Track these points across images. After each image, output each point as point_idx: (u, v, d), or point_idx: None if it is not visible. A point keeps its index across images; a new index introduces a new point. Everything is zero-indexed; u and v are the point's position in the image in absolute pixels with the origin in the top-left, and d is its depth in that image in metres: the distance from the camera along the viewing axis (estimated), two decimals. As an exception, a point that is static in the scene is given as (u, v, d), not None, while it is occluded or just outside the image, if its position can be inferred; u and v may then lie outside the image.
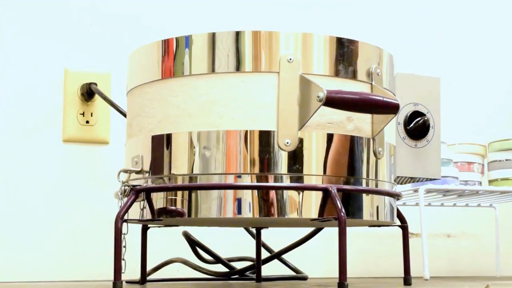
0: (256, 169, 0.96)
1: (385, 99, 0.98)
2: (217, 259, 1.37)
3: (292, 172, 0.96)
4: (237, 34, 0.99)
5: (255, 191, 0.96)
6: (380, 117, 1.01)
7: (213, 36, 0.99)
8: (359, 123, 1.01)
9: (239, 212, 0.96)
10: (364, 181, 1.01)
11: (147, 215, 1.01)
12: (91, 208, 1.44)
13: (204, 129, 0.98)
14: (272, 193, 0.96)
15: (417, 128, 1.16)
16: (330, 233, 1.37)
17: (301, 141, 0.97)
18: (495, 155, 1.56)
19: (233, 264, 1.40)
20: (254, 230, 1.35)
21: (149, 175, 1.02)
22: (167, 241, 1.44)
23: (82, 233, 1.43)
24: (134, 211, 1.03)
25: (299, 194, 0.96)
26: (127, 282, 1.25)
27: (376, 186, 1.03)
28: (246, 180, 0.96)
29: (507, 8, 1.90)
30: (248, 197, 0.96)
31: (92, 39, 1.48)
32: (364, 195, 1.01)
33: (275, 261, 1.42)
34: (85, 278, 1.42)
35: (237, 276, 1.38)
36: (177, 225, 1.20)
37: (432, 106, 1.19)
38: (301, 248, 1.37)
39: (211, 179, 0.97)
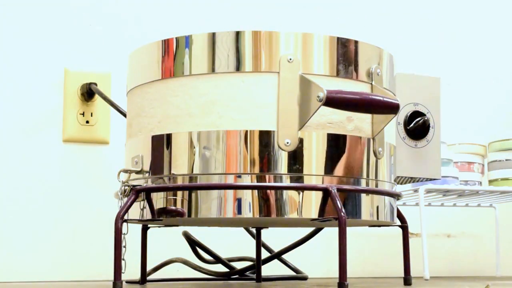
0: (256, 169, 0.96)
1: (385, 99, 0.98)
2: (217, 259, 1.37)
3: (292, 172, 0.96)
4: (237, 34, 0.99)
5: (255, 191, 0.96)
6: (380, 117, 1.01)
7: (213, 36, 0.99)
8: (359, 123, 1.01)
9: (239, 212, 0.96)
10: (364, 181, 1.01)
11: (147, 215, 1.01)
12: (91, 208, 1.44)
13: (204, 129, 0.98)
14: (272, 193, 0.96)
15: (417, 128, 1.16)
16: (330, 233, 1.37)
17: (301, 141, 0.97)
18: (495, 155, 1.56)
19: (233, 264, 1.40)
20: (254, 230, 1.35)
21: (149, 175, 1.02)
22: (167, 241, 1.44)
23: (82, 233, 1.43)
24: (134, 211, 1.03)
25: (299, 194, 0.96)
26: (127, 282, 1.25)
27: (376, 186, 1.03)
28: (246, 180, 0.96)
29: (507, 8, 1.90)
30: (248, 197, 0.96)
31: (92, 39, 1.48)
32: (364, 195, 1.01)
33: (275, 261, 1.42)
34: (85, 278, 1.42)
35: (237, 276, 1.38)
36: (177, 225, 1.20)
37: (432, 106, 1.19)
38: (301, 248, 1.37)
39: (211, 179, 0.97)
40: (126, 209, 0.98)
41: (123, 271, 0.99)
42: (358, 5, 1.73)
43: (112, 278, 0.98)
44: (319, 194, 0.96)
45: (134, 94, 1.07)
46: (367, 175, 1.01)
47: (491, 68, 1.86)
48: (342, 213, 0.93)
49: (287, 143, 0.97)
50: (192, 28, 1.53)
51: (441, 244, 1.76)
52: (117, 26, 1.50)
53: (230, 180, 0.96)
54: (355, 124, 1.00)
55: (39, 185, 1.42)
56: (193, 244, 1.35)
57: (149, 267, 1.28)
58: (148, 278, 1.29)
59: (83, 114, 1.45)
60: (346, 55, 1.01)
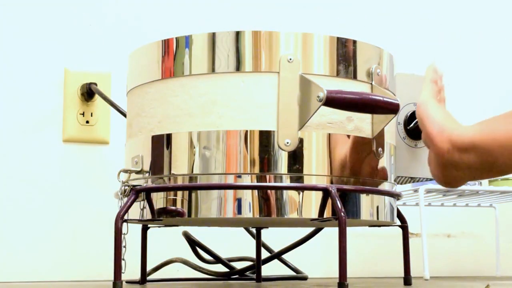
0: (256, 169, 0.96)
1: (385, 99, 0.98)
2: (217, 259, 1.37)
3: (292, 172, 0.96)
4: (237, 34, 0.99)
5: (255, 191, 0.96)
6: (380, 117, 1.01)
7: (213, 36, 0.99)
8: (359, 123, 1.00)
9: (239, 212, 0.96)
10: (364, 181, 1.01)
11: (147, 215, 1.01)
12: (91, 208, 1.44)
13: (204, 129, 0.98)
14: (272, 193, 0.96)
15: (417, 128, 1.16)
16: (330, 233, 1.37)
17: (301, 141, 0.97)
18: (495, 155, 1.56)
19: (233, 264, 1.40)
20: (254, 230, 1.35)
21: (149, 175, 1.02)
22: (167, 241, 1.44)
23: (82, 233, 1.43)
24: (134, 211, 1.03)
25: (299, 194, 0.96)
26: (127, 282, 1.25)
27: (376, 186, 1.03)
28: (246, 180, 0.96)
29: (507, 8, 1.90)
30: (248, 197, 0.96)
31: (92, 39, 1.48)
32: (364, 195, 1.01)
33: (275, 261, 1.42)
34: (85, 278, 1.42)
35: (237, 276, 1.38)
36: (177, 225, 1.20)
37: (432, 106, 1.18)
38: (301, 248, 1.37)
39: (211, 179, 0.97)
40: (126, 209, 0.98)
41: (123, 271, 0.99)
42: (358, 5, 1.73)
43: (112, 278, 0.98)
44: (319, 194, 0.96)
45: (134, 94, 1.07)
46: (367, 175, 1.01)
47: (491, 68, 1.86)
48: (342, 213, 0.93)
49: (287, 143, 0.96)
50: (192, 28, 1.53)
51: (441, 244, 1.76)
52: (117, 26, 1.50)
53: (230, 180, 0.96)
54: (355, 124, 1.00)
55: (39, 185, 1.42)
56: (193, 244, 1.35)
57: (149, 267, 1.28)
58: (148, 278, 1.29)
59: (83, 114, 1.45)
60: (346, 55, 1.01)
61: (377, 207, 1.03)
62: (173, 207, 0.99)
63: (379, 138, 1.03)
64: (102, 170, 1.45)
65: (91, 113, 1.46)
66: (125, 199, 1.00)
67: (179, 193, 0.99)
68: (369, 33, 1.71)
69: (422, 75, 1.19)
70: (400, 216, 1.15)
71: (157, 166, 1.01)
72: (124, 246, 1.01)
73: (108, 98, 1.38)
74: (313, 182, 0.97)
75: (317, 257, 1.61)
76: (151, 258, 1.26)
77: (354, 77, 1.01)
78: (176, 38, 1.01)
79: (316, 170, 0.97)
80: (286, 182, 0.96)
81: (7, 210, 1.39)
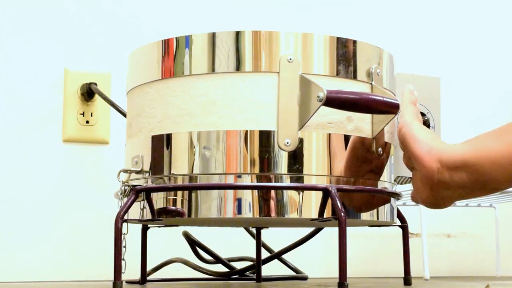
0: (256, 169, 0.96)
1: (385, 99, 0.98)
2: (217, 259, 1.37)
3: (292, 172, 0.96)
4: (237, 34, 0.99)
5: (255, 191, 0.96)
6: (380, 117, 1.01)
7: (213, 36, 0.99)
8: (359, 123, 1.00)
9: (239, 212, 0.96)
10: (364, 181, 1.01)
11: (147, 215, 1.01)
12: (91, 208, 1.44)
13: (204, 129, 0.98)
14: (272, 193, 0.96)
15: (417, 128, 1.16)
16: (330, 233, 1.37)
17: (301, 141, 0.97)
18: (495, 155, 1.55)
19: (233, 264, 1.40)
20: (254, 230, 1.35)
21: (149, 175, 1.02)
22: (167, 241, 1.44)
23: (82, 233, 1.43)
24: (134, 211, 1.03)
25: (299, 194, 0.96)
26: (127, 282, 1.25)
27: (376, 186, 1.03)
28: (246, 180, 0.96)
29: (507, 8, 1.90)
30: (248, 197, 0.96)
31: (92, 39, 1.48)
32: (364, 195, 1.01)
33: (275, 261, 1.42)
34: (85, 278, 1.42)
35: (237, 276, 1.38)
36: (177, 225, 1.20)
37: (432, 106, 1.19)
38: (301, 248, 1.37)
39: (211, 179, 0.97)
40: (126, 209, 0.98)
41: (123, 271, 0.99)
42: (358, 5, 1.73)
43: (112, 278, 0.98)
44: (319, 194, 0.96)
45: (134, 94, 1.07)
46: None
47: (491, 68, 1.86)
48: (342, 213, 0.93)
49: (287, 143, 0.96)
50: (192, 28, 1.53)
51: (441, 244, 1.76)
52: (117, 26, 1.50)
53: (230, 180, 0.96)
54: (355, 124, 1.00)
55: (39, 185, 1.42)
56: (193, 244, 1.35)
57: (149, 267, 1.28)
58: (148, 278, 1.29)
59: (83, 114, 1.45)
60: (346, 55, 1.01)
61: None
62: (173, 207, 0.99)
63: (379, 138, 1.03)
64: (102, 170, 1.45)
65: (91, 113, 1.46)
66: (125, 199, 1.00)
67: (179, 193, 0.99)
68: (369, 33, 1.71)
69: (422, 75, 1.19)
70: (400, 216, 1.15)
71: (157, 166, 1.01)
72: (124, 246, 1.01)
73: (108, 98, 1.38)
74: (313, 182, 0.97)
75: (317, 257, 1.61)
76: (151, 258, 1.26)
77: (354, 77, 1.01)
78: (176, 38, 1.01)
79: (316, 170, 0.97)
80: (286, 182, 0.96)
81: (7, 210, 1.39)
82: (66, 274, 1.42)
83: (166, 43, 1.02)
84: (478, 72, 1.85)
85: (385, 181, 1.04)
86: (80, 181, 1.44)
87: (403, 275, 1.15)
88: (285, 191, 0.96)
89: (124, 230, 0.99)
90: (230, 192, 0.96)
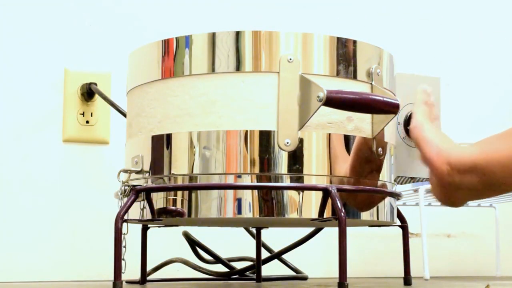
0: (256, 169, 0.96)
1: (385, 99, 0.98)
2: (217, 259, 1.37)
3: (292, 172, 0.96)
4: (237, 34, 0.99)
5: (255, 191, 0.96)
6: (380, 117, 1.01)
7: (213, 36, 0.99)
8: (359, 123, 1.00)
9: (239, 212, 0.96)
10: (364, 181, 1.01)
11: (147, 215, 1.01)
12: (91, 208, 1.44)
13: (204, 129, 0.98)
14: (272, 193, 0.96)
15: (417, 128, 1.16)
16: (330, 233, 1.37)
17: (301, 141, 0.97)
18: (495, 155, 1.55)
19: (233, 264, 1.40)
20: (254, 230, 1.35)
21: (149, 175, 1.02)
22: (167, 241, 1.44)
23: (82, 233, 1.43)
24: (134, 211, 1.03)
25: (299, 194, 0.96)
26: (127, 282, 1.25)
27: (376, 186, 1.03)
28: (246, 180, 0.96)
29: (507, 8, 1.90)
30: (248, 197, 0.96)
31: (92, 39, 1.48)
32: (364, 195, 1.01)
33: (275, 261, 1.42)
34: (85, 278, 1.42)
35: (237, 276, 1.38)
36: (177, 225, 1.20)
37: (432, 106, 1.18)
38: (301, 248, 1.37)
39: (211, 179, 0.97)
40: (126, 209, 0.98)
41: (123, 271, 0.99)
42: (358, 5, 1.73)
43: (112, 278, 0.98)
44: (319, 194, 0.96)
45: (134, 94, 1.07)
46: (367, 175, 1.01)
47: (491, 68, 1.86)
48: (342, 213, 0.93)
49: (287, 143, 0.96)
50: (192, 28, 1.53)
51: (441, 244, 1.76)
52: (117, 26, 1.50)
53: (230, 180, 0.96)
54: (355, 124, 1.00)
55: (39, 185, 1.42)
56: (193, 244, 1.35)
57: (149, 267, 1.28)
58: (148, 278, 1.29)
59: (83, 114, 1.45)
60: (346, 55, 1.01)
61: (377, 207, 1.03)
62: (173, 207, 0.99)
63: (379, 138, 1.03)
64: (102, 170, 1.45)
65: (91, 113, 1.46)
66: (125, 199, 1.00)
67: (179, 193, 0.99)
68: (369, 33, 1.71)
69: (422, 75, 1.19)
70: (400, 216, 1.15)
71: (157, 166, 1.01)
72: (124, 246, 1.01)
73: (108, 98, 1.38)
74: (313, 182, 0.97)
75: (317, 257, 1.61)
76: (151, 258, 1.26)
77: (354, 77, 1.01)
78: (176, 38, 1.01)
79: (316, 170, 0.97)
80: (286, 182, 0.96)
81: (7, 210, 1.39)
82: (66, 274, 1.42)
83: (166, 43, 1.02)
84: (478, 72, 1.85)
85: (385, 181, 1.04)
86: (80, 181, 1.44)
87: (403, 275, 1.15)
88: (285, 191, 0.96)
89: (124, 230, 0.99)
90: (230, 192, 0.96)
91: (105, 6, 1.50)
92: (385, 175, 1.05)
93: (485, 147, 0.89)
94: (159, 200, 1.00)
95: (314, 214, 0.97)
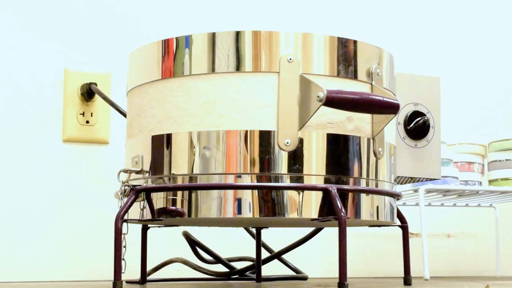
0: (256, 169, 0.96)
1: (385, 99, 0.98)
2: (217, 259, 1.37)
3: (292, 172, 0.96)
4: (237, 34, 0.99)
5: (255, 191, 0.96)
6: (380, 117, 1.01)
7: (213, 36, 0.99)
8: (359, 123, 1.01)
9: (239, 212, 0.96)
10: (364, 181, 1.01)
11: (147, 215, 1.01)
12: (91, 208, 1.44)
13: (204, 129, 0.98)
14: (272, 193, 0.96)
15: (417, 128, 1.16)
16: (330, 233, 1.37)
17: (301, 141, 0.97)
18: (495, 155, 1.56)
19: (233, 264, 1.40)
20: (254, 230, 1.35)
21: (149, 175, 1.02)
22: (167, 241, 1.44)
23: (82, 233, 1.43)
24: (134, 211, 1.03)
25: (299, 194, 0.96)
26: (127, 282, 1.25)
27: (376, 186, 1.03)
28: (246, 180, 0.96)
29: (507, 8, 1.90)
30: (248, 197, 0.96)
31: (92, 39, 1.48)
32: (364, 195, 1.01)
33: (275, 261, 1.42)
34: (85, 278, 1.42)
35: (237, 276, 1.38)
36: (177, 225, 1.20)
37: (432, 106, 1.19)
38: (301, 248, 1.37)
39: (211, 179, 0.97)
40: (126, 209, 0.98)
41: (123, 271, 0.99)
42: (358, 5, 1.73)
43: (112, 278, 0.98)
44: (319, 194, 0.96)
45: (134, 94, 1.07)
46: (367, 175, 1.01)
47: (491, 68, 1.86)
48: (342, 213, 0.93)
49: (287, 143, 0.97)
50: (192, 28, 1.53)
51: (441, 244, 1.76)
52: (117, 26, 1.50)
53: (230, 180, 0.96)
54: (355, 124, 1.00)
55: (39, 185, 1.42)
56: (193, 244, 1.35)
57: (149, 267, 1.28)
58: (148, 278, 1.29)
59: (83, 114, 1.45)
60: (346, 55, 1.01)
61: (377, 207, 1.03)
62: (173, 207, 0.99)
63: (379, 138, 1.03)
64: (102, 170, 1.45)
65: (91, 113, 1.46)
66: (125, 199, 1.00)
67: (179, 193, 0.99)
68: (369, 33, 1.71)
69: (422, 75, 1.19)
70: (400, 216, 1.15)
71: (157, 166, 1.01)
72: (124, 246, 1.01)
73: (108, 98, 1.38)
74: (313, 182, 0.97)
75: (317, 257, 1.61)
76: (151, 258, 1.26)
77: (354, 77, 1.01)
78: (176, 38, 1.01)
79: (316, 170, 0.97)
80: (286, 182, 0.96)
81: (7, 210, 1.39)
82: (66, 274, 1.42)
83: (166, 43, 1.02)
84: (478, 72, 1.85)
85: (385, 181, 1.05)
86: (80, 181, 1.44)
87: (403, 275, 1.15)
88: (285, 191, 0.96)
89: (124, 230, 0.99)
90: (230, 192, 0.96)
91: (105, 6, 1.50)
92: (385, 175, 1.05)
93: None
94: (159, 200, 1.00)
95: (314, 214, 0.97)
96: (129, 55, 1.09)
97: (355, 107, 0.96)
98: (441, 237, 1.77)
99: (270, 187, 0.96)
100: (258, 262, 1.33)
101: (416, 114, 1.17)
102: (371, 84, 1.03)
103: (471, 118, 1.82)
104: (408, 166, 1.16)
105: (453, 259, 1.77)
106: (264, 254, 1.37)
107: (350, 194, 0.99)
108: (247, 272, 1.38)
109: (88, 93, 1.44)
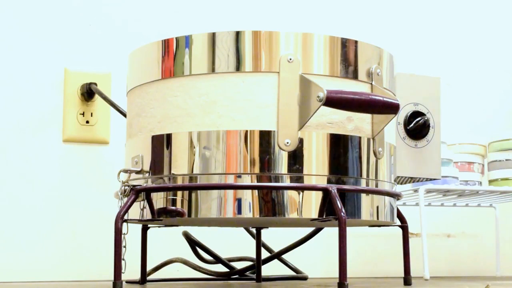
0: (256, 169, 0.96)
1: (385, 99, 0.98)
2: (217, 259, 1.37)
3: (292, 172, 0.96)
4: (237, 34, 0.99)
5: (255, 191, 0.96)
6: (380, 117, 1.01)
7: (213, 36, 0.99)
8: (359, 123, 1.01)
9: (239, 212, 0.96)
10: (364, 181, 1.01)
11: (147, 215, 1.01)
12: (91, 208, 1.44)
13: (204, 129, 0.98)
14: (272, 193, 0.96)
15: (417, 128, 1.16)
16: (330, 233, 1.37)
17: (301, 141, 0.97)
18: (495, 155, 1.56)
19: (233, 264, 1.40)
20: (254, 230, 1.35)
21: (149, 175, 1.02)
22: (167, 241, 1.44)
23: (82, 233, 1.43)
24: (134, 211, 1.03)
25: (299, 194, 0.96)
26: (127, 282, 1.25)
27: (376, 186, 1.03)
28: (246, 180, 0.96)
29: (507, 8, 1.90)
30: (248, 197, 0.96)
31: (92, 39, 1.48)
32: (364, 195, 1.01)
33: (275, 261, 1.42)
34: (85, 278, 1.42)
35: (237, 276, 1.38)
36: (177, 225, 1.20)
37: (432, 106, 1.19)
38: (301, 248, 1.37)
39: (211, 179, 0.97)
40: (126, 209, 0.98)
41: (123, 271, 0.99)
42: (358, 5, 1.73)
43: (112, 278, 0.98)
44: (319, 194, 0.96)
45: (134, 94, 1.07)
46: (367, 175, 1.01)
47: (491, 68, 1.86)
48: (342, 213, 0.93)
49: (287, 143, 0.97)
50: (192, 28, 1.53)
51: (441, 244, 1.76)
52: (117, 26, 1.50)
53: (230, 180, 0.96)
54: (355, 124, 1.00)
55: (39, 185, 1.42)
56: (193, 244, 1.35)
57: (149, 267, 1.28)
58: (148, 278, 1.29)
59: (83, 114, 1.45)
60: (346, 55, 1.01)
61: (377, 207, 1.03)
62: (173, 207, 0.99)
63: (379, 138, 1.03)
64: (102, 170, 1.45)
65: (91, 113, 1.46)
66: (125, 199, 1.00)
67: (179, 193, 0.99)
68: (369, 33, 1.71)
69: (422, 75, 1.19)
70: (400, 216, 1.15)
71: (157, 166, 1.01)
72: (124, 246, 1.01)
73: (108, 98, 1.38)
74: (313, 182, 0.97)
75: (317, 257, 1.61)
76: (151, 258, 1.26)
77: (354, 77, 1.01)
78: (176, 38, 1.01)
79: (316, 170, 0.97)
80: (286, 182, 0.96)
81: (7, 210, 1.39)
82: (66, 274, 1.42)
83: (166, 43, 1.02)
84: (478, 72, 1.85)
85: (385, 181, 1.05)
86: (80, 181, 1.44)
87: (403, 275, 1.15)
88: (285, 191, 0.96)
89: (124, 230, 0.99)
90: (230, 192, 0.96)
91: (105, 6, 1.50)
92: (385, 175, 1.05)
93: None
94: (159, 200, 1.00)
95: (314, 214, 0.97)
96: (129, 55, 1.09)
97: (355, 107, 0.96)
98: (441, 237, 1.77)
99: (270, 187, 0.96)
100: (258, 262, 1.33)
101: (416, 114, 1.17)
102: (371, 84, 1.03)
103: (471, 118, 1.82)
104: (408, 166, 1.16)
105: (453, 259, 1.77)
106: (264, 254, 1.37)
107: (350, 194, 0.99)
108: (247, 272, 1.38)
109: (88, 93, 1.44)
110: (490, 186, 1.51)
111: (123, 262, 0.99)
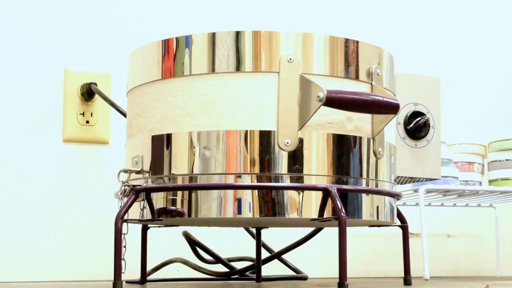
0: (256, 169, 0.96)
1: (385, 99, 0.98)
2: (217, 259, 1.37)
3: (292, 172, 0.96)
4: (237, 34, 0.99)
5: (255, 191, 0.96)
6: (380, 117, 1.01)
7: (213, 36, 0.99)
8: (359, 123, 1.01)
9: (239, 212, 0.96)
10: (364, 181, 1.01)
11: (147, 215, 1.01)
12: (91, 208, 1.44)
13: (204, 129, 0.98)
14: (272, 193, 0.96)
15: (417, 128, 1.16)
16: (330, 233, 1.37)
17: (301, 141, 0.97)
18: (495, 155, 1.56)
19: (233, 264, 1.40)
20: (254, 230, 1.35)
21: (149, 175, 1.02)
22: (167, 241, 1.44)
23: (82, 233, 1.43)
24: (134, 211, 1.03)
25: (299, 194, 0.96)
26: (127, 282, 1.25)
27: (376, 186, 1.03)
28: (246, 180, 0.96)
29: (507, 8, 1.90)
30: (248, 197, 0.96)
31: (92, 39, 1.48)
32: (364, 195, 1.01)
33: (275, 261, 1.42)
34: (85, 278, 1.42)
35: (237, 276, 1.38)
36: (177, 225, 1.20)
37: (432, 106, 1.19)
38: (301, 248, 1.37)
39: (211, 179, 0.97)
40: (126, 209, 0.98)
41: (123, 271, 0.99)
42: (358, 5, 1.73)
43: (112, 278, 0.98)
44: (319, 194, 0.96)
45: (134, 94, 1.07)
46: (367, 175, 1.01)
47: (491, 68, 1.86)
48: (342, 213, 0.93)
49: (287, 143, 0.97)
50: (192, 28, 1.53)
51: (441, 244, 1.76)
52: (117, 26, 1.50)
53: (230, 180, 0.96)
54: (355, 124, 1.00)
55: (39, 185, 1.42)
56: (193, 244, 1.35)
57: (149, 267, 1.28)
58: (148, 278, 1.29)
59: (83, 114, 1.45)
60: (346, 55, 1.01)
61: (377, 207, 1.03)
62: (173, 207, 0.99)
63: (379, 138, 1.03)
64: (102, 170, 1.45)
65: (91, 113, 1.46)
66: (125, 199, 1.00)
67: (179, 193, 0.99)
68: (369, 33, 1.71)
69: (422, 75, 1.19)
70: (400, 216, 1.15)
71: (157, 166, 1.01)
72: (124, 246, 1.01)
73: (108, 98, 1.38)
74: (313, 182, 0.97)
75: (317, 257, 1.61)
76: (151, 258, 1.26)
77: (354, 77, 1.01)
78: (176, 38, 1.01)
79: (316, 170, 0.97)
80: (286, 182, 0.96)
81: (7, 210, 1.39)
82: (66, 274, 1.42)
83: (166, 43, 1.02)
84: (478, 72, 1.85)
85: (385, 181, 1.05)
86: (80, 181, 1.44)
87: (403, 275, 1.15)
88: (285, 191, 0.96)
89: (124, 230, 0.99)
90: (230, 192, 0.96)
91: (105, 6, 1.50)
92: (385, 175, 1.05)
93: None
94: (159, 200, 1.00)
95: (314, 214, 0.97)
96: (129, 55, 1.09)
97: (355, 107, 0.96)
98: (441, 237, 1.77)
99: (270, 187, 0.96)
100: (258, 262, 1.33)
101: (416, 114, 1.17)
102: (371, 84, 1.03)
103: (471, 118, 1.82)
104: (408, 166, 1.16)
105: (453, 259, 1.77)
106: (264, 254, 1.37)
107: (350, 194, 0.99)
108: (247, 272, 1.38)
109: (88, 93, 1.44)
110: (490, 186, 1.51)
111: (123, 262, 0.99)
